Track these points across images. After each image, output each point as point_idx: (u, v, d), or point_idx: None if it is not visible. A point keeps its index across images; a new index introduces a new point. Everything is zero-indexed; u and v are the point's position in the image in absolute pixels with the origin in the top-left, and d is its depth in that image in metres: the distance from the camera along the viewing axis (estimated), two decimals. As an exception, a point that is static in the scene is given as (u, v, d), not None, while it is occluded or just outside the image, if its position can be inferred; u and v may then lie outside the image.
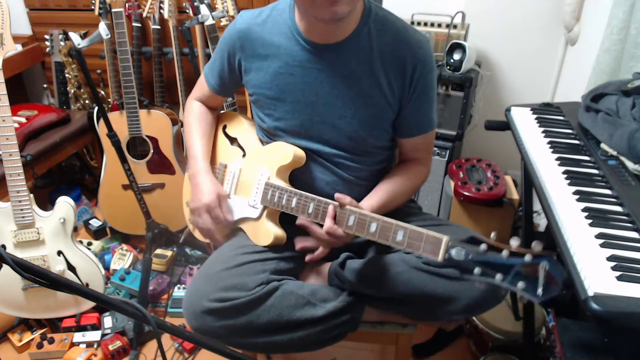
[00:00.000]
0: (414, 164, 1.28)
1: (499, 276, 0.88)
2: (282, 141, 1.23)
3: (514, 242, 0.88)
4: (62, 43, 2.40)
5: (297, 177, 1.24)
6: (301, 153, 1.21)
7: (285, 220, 1.23)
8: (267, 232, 1.21)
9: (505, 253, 0.88)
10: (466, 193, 1.86)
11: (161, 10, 2.21)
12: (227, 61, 1.26)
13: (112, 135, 1.73)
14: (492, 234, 0.92)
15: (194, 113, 1.37)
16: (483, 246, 0.90)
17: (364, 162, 1.23)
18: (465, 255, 0.92)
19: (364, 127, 1.18)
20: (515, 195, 1.91)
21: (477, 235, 0.91)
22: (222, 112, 1.43)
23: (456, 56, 2.01)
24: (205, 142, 1.33)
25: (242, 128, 1.35)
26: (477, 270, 0.90)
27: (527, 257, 0.86)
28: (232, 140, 1.36)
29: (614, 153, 1.13)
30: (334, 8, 1.00)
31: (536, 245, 0.86)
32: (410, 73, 1.13)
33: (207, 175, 1.27)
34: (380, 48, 1.12)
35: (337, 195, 1.08)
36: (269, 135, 1.27)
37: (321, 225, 1.12)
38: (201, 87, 1.38)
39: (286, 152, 1.20)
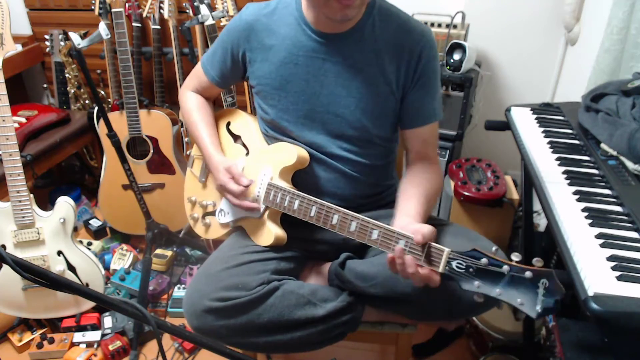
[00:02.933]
0: (429, 163, 1.24)
1: (498, 290, 0.89)
2: (286, 141, 1.23)
3: (515, 258, 0.89)
4: (62, 43, 2.40)
5: (300, 174, 1.24)
6: (305, 154, 1.21)
7: (286, 220, 1.23)
8: (269, 232, 1.21)
9: (505, 268, 0.88)
10: (466, 193, 1.86)
11: (161, 10, 2.21)
12: (230, 52, 1.26)
13: (112, 135, 1.73)
14: (494, 248, 0.92)
15: (193, 103, 1.37)
16: (484, 260, 0.90)
17: (366, 155, 1.23)
18: (465, 268, 0.92)
19: (367, 116, 1.18)
20: (515, 195, 1.91)
21: (479, 249, 0.91)
22: (225, 109, 1.43)
23: (456, 56, 2.01)
24: (209, 128, 1.34)
25: (246, 126, 1.35)
26: (476, 283, 0.91)
27: (528, 274, 0.86)
28: (236, 138, 1.35)
29: (614, 153, 1.13)
30: (345, 12, 1.05)
31: (537, 262, 0.86)
32: (415, 60, 1.15)
33: (216, 156, 1.28)
34: (385, 38, 1.14)
35: (416, 239, 0.97)
36: (272, 128, 1.27)
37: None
38: (198, 77, 1.37)
39: (290, 153, 1.20)
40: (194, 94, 1.40)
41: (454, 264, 0.93)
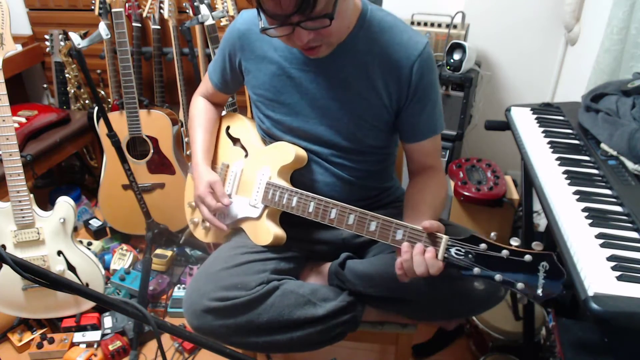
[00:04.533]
0: (433, 171, 1.23)
1: (498, 276, 0.88)
2: (283, 141, 1.23)
3: (514, 242, 0.88)
4: (62, 43, 2.40)
5: (297, 179, 1.24)
6: (303, 153, 1.21)
7: (286, 221, 1.23)
8: (267, 231, 1.21)
9: (505, 253, 0.88)
10: (466, 193, 1.86)
11: (161, 10, 2.21)
12: (228, 61, 1.26)
13: (112, 135, 1.73)
14: (492, 234, 0.92)
15: (198, 108, 1.39)
16: (483, 245, 0.90)
17: (362, 161, 1.23)
18: (464, 254, 0.92)
19: (360, 129, 1.17)
20: (515, 195, 1.91)
21: (477, 235, 0.91)
22: (225, 113, 1.43)
23: (456, 56, 2.01)
24: (206, 135, 1.34)
25: (245, 129, 1.35)
26: (476, 269, 0.90)
27: (527, 257, 0.86)
28: (235, 141, 1.36)
29: (614, 153, 1.13)
30: (312, 56, 1.07)
31: (536, 245, 0.86)
32: (407, 75, 1.11)
33: (202, 166, 1.29)
34: (376, 51, 1.11)
35: (424, 224, 0.97)
36: (269, 136, 1.27)
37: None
38: (205, 84, 1.38)
39: (288, 152, 1.20)
40: (202, 99, 1.40)
41: (452, 250, 0.93)
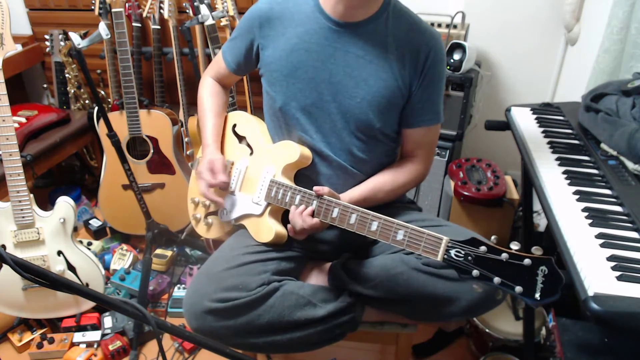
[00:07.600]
0: (410, 162, 1.28)
1: (497, 279, 0.88)
2: (289, 140, 1.24)
3: (514, 246, 0.88)
4: (62, 43, 2.40)
5: (302, 175, 1.25)
6: (307, 152, 1.22)
7: (288, 220, 1.23)
8: (269, 229, 1.21)
9: (504, 256, 0.88)
10: (466, 193, 1.86)
11: (161, 10, 2.21)
12: (244, 40, 1.28)
13: (112, 135, 1.73)
14: (493, 237, 0.92)
15: (208, 90, 1.41)
16: (483, 248, 0.90)
17: (368, 150, 1.23)
18: (464, 256, 0.92)
19: (373, 109, 1.18)
20: (515, 195, 1.91)
21: (477, 237, 0.91)
22: (232, 112, 1.44)
23: (456, 56, 2.01)
24: (216, 119, 1.37)
25: (251, 127, 1.36)
26: (475, 272, 0.90)
27: (526, 261, 0.86)
28: (241, 139, 1.37)
29: (614, 153, 1.13)
30: None
31: (536, 250, 0.86)
32: (423, 60, 1.16)
33: (210, 147, 1.32)
34: (396, 34, 1.16)
35: (315, 187, 1.11)
36: (279, 117, 1.27)
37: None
38: (218, 65, 1.40)
39: (293, 150, 1.21)
40: (212, 80, 1.42)
41: (452, 252, 0.93)
